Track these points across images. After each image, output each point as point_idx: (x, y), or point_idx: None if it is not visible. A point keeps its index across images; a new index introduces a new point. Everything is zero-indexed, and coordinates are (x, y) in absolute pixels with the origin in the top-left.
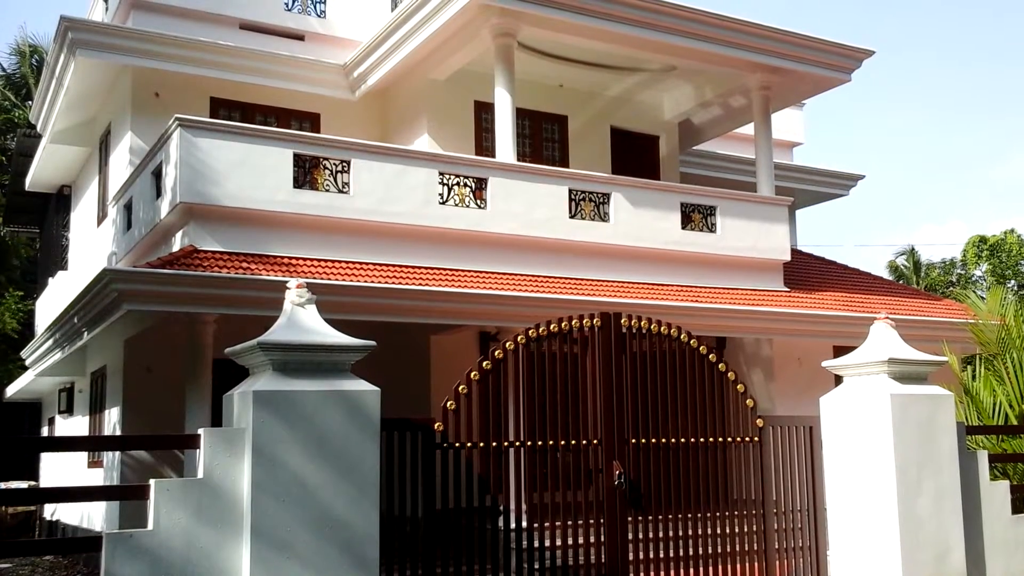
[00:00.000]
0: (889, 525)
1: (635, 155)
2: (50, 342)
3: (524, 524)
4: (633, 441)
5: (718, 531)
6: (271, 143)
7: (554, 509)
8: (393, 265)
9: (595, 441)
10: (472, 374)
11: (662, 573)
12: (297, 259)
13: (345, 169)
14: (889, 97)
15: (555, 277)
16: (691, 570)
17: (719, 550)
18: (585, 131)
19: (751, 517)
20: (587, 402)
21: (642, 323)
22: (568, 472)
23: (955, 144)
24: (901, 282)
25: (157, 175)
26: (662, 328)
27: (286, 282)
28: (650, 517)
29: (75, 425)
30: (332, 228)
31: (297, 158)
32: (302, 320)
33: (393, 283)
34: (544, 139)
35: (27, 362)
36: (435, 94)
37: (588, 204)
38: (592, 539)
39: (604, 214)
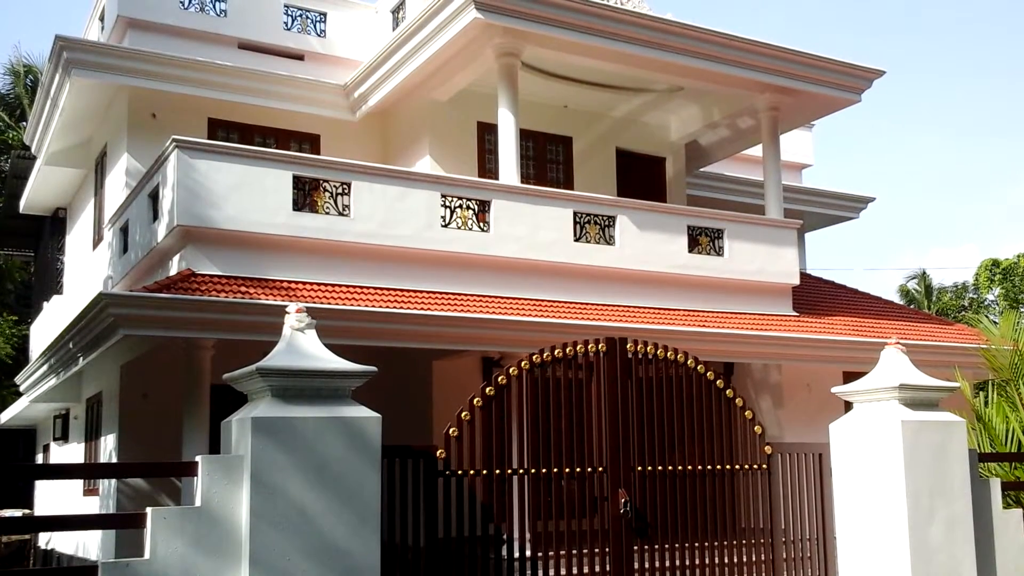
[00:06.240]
0: (900, 554)
1: (641, 177)
2: (45, 368)
3: (528, 553)
4: (639, 468)
5: (726, 560)
6: (270, 165)
7: (558, 538)
8: (394, 289)
9: (600, 468)
10: (475, 400)
11: None
12: (297, 283)
13: (345, 191)
14: (900, 118)
15: (559, 301)
16: None
17: None
18: (590, 152)
19: (759, 546)
20: (592, 429)
21: (648, 348)
22: (573, 500)
23: (968, 166)
24: (912, 307)
25: (154, 197)
26: (668, 353)
27: (285, 306)
28: (656, 546)
29: (70, 452)
30: (332, 251)
31: (297, 180)
32: (302, 345)
33: (394, 307)
34: (548, 161)
35: (21, 388)
36: (437, 115)
37: (593, 227)
38: (597, 568)
39: (610, 237)
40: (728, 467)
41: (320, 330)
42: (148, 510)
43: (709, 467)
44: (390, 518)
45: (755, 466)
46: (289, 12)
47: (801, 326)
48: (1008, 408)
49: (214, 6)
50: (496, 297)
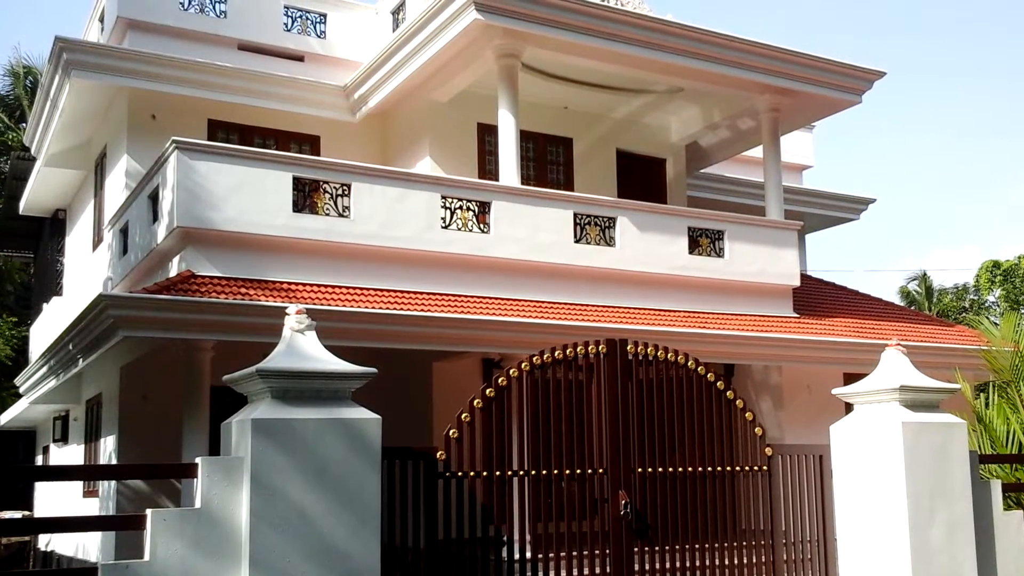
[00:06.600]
0: (901, 556)
1: (641, 178)
2: (44, 369)
3: (528, 555)
4: (639, 470)
5: (726, 562)
6: (270, 166)
7: (559, 540)
8: (395, 290)
9: (600, 470)
10: (475, 401)
11: None
12: (297, 284)
13: (346, 193)
14: (900, 119)
15: (560, 303)
16: None
17: None
18: (590, 154)
19: (760, 548)
20: (592, 430)
21: (648, 350)
22: (573, 502)
23: (968, 167)
24: (913, 308)
25: (154, 199)
26: (669, 355)
27: (285, 308)
28: (657, 548)
29: (70, 454)
30: (332, 253)
31: (297, 181)
32: (302, 347)
33: (394, 309)
34: (548, 162)
35: (21, 390)
36: (437, 116)
37: (593, 228)
38: (598, 570)
39: (610, 238)
40: (729, 469)
41: (320, 331)
42: (148, 512)
43: (710, 469)
44: (390, 520)
45: (756, 467)
46: (289, 13)
47: (801, 327)
48: (1009, 410)
49: (214, 7)
50: (496, 298)
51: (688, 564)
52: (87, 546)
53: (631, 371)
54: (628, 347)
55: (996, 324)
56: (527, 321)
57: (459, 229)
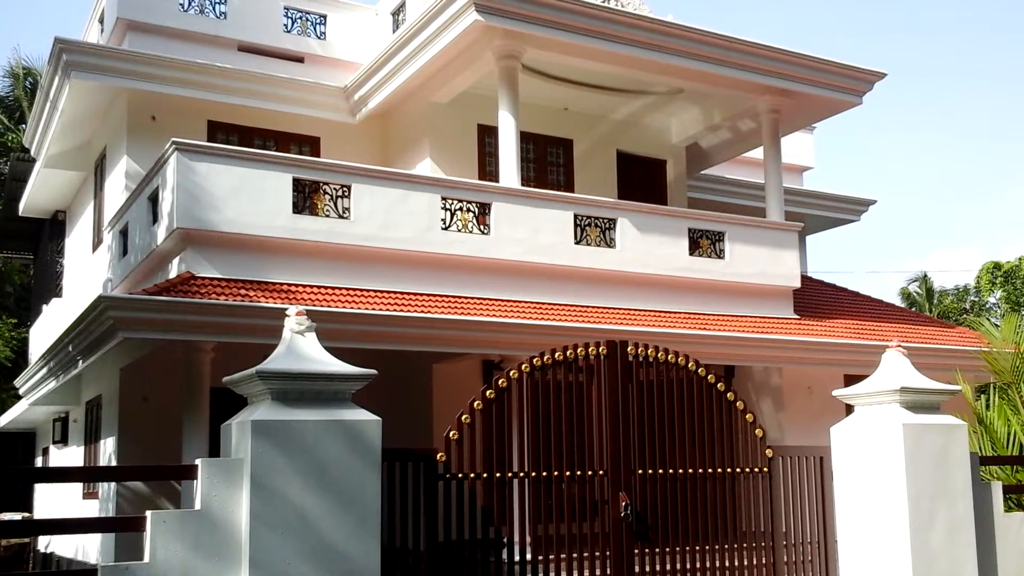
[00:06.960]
0: (901, 558)
1: (642, 180)
2: (44, 371)
3: (528, 557)
4: (640, 472)
5: (727, 564)
6: (270, 167)
7: (559, 541)
8: (395, 292)
9: (601, 472)
10: (475, 403)
11: None
12: (296, 286)
13: (346, 194)
14: (902, 120)
15: (560, 304)
16: None
17: None
18: (591, 155)
19: (760, 549)
20: (593, 432)
21: (649, 351)
22: (573, 503)
23: (969, 168)
24: (913, 309)
25: (153, 200)
26: (669, 356)
27: (285, 309)
28: (657, 549)
29: (70, 455)
30: (332, 254)
31: (297, 183)
32: (301, 348)
33: (394, 310)
34: (549, 163)
35: (21, 391)
36: (437, 117)
37: (594, 230)
38: (598, 572)
39: (610, 240)
40: (729, 470)
41: (320, 333)
42: (148, 513)
43: (710, 470)
44: (390, 521)
45: (756, 469)
46: (289, 14)
47: (802, 329)
48: (1009, 411)
49: (214, 8)
50: (496, 300)
51: (688, 566)
52: (87, 548)
53: (631, 373)
54: (628, 349)
55: (997, 326)
56: (527, 323)
57: (459, 230)
